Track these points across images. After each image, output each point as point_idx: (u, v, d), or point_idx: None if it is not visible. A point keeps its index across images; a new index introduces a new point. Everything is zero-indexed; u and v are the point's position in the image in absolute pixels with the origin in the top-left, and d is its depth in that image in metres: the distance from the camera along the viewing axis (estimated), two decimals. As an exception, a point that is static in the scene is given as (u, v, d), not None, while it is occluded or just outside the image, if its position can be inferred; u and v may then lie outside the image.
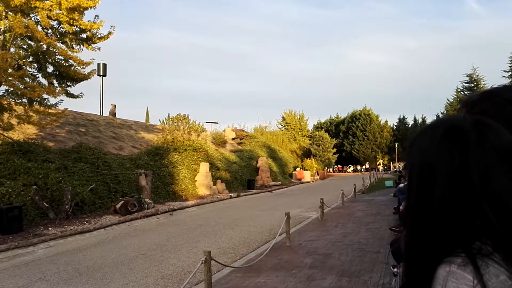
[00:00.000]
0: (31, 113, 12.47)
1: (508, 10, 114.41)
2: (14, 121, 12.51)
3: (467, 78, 41.82)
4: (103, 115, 27.34)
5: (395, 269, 4.72)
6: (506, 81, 38.58)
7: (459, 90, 42.78)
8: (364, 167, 58.33)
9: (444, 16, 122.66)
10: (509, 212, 0.67)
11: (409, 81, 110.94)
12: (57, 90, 12.62)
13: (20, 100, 12.17)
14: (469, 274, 0.63)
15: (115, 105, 28.26)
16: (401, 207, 7.08)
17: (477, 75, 41.40)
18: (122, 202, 12.50)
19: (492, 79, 61.75)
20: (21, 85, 11.44)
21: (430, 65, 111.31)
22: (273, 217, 11.80)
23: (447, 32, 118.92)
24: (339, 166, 61.04)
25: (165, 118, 22.77)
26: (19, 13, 11.15)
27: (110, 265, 6.91)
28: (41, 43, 11.80)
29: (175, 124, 22.23)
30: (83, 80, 13.48)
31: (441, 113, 52.48)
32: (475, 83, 41.46)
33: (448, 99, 45.63)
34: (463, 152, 0.70)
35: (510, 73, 38.60)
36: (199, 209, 15.24)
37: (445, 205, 0.69)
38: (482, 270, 0.63)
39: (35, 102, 12.56)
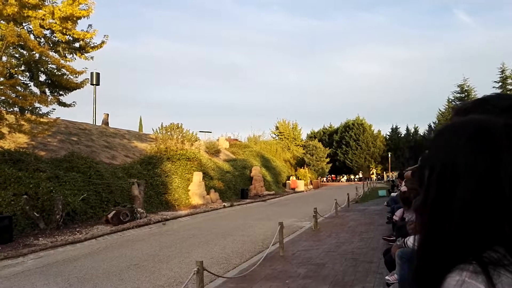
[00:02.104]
0: (22, 122, 12.37)
1: (497, 22, 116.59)
2: (5, 130, 12.39)
3: (458, 89, 42.45)
4: (96, 124, 27.19)
5: (386, 277, 4.71)
6: (496, 92, 38.98)
7: (450, 100, 43.36)
8: (357, 176, 58.50)
9: (434, 28, 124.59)
10: None
11: (401, 91, 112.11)
12: (49, 99, 12.55)
13: (12, 109, 12.08)
14: (481, 283, 0.61)
15: (108, 114, 28.14)
16: (394, 217, 7.08)
17: (468, 86, 42.04)
18: (114, 211, 12.37)
19: (483, 90, 62.52)
20: (12, 94, 11.37)
21: (422, 75, 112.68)
22: (266, 227, 11.75)
23: (438, 43, 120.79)
24: (332, 175, 61.15)
25: (159, 127, 22.73)
26: (12, 22, 11.12)
27: (101, 276, 6.81)
28: (34, 52, 11.77)
29: (169, 133, 22.18)
30: (76, 89, 13.44)
31: (433, 123, 53.03)
32: (466, 94, 42.01)
33: (439, 109, 46.24)
34: (494, 155, 0.67)
35: (500, 83, 39.18)
36: (192, 218, 15.13)
37: (467, 207, 0.67)
38: (494, 280, 0.61)
39: (26, 111, 12.47)
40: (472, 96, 41.38)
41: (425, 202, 0.75)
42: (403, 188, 4.22)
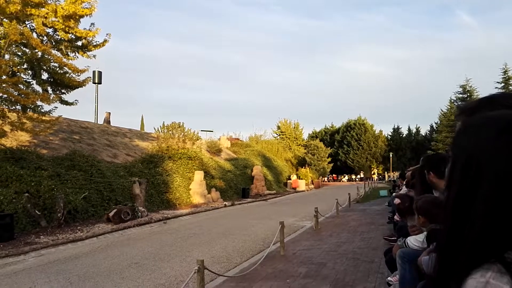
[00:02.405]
0: (24, 120, 12.40)
1: (499, 22, 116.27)
2: (7, 128, 12.43)
3: (460, 89, 42.26)
4: (98, 122, 27.24)
5: (388, 278, 4.70)
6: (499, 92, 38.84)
7: (452, 100, 43.20)
8: (358, 176, 58.45)
9: (436, 28, 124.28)
10: None
11: (403, 91, 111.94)
12: (51, 97, 12.57)
13: (14, 107, 12.11)
14: (506, 284, 0.60)
15: (109, 113, 28.21)
16: (395, 217, 7.07)
17: (470, 86, 41.85)
18: (115, 210, 12.39)
19: (485, 90, 62.37)
20: (15, 92, 11.39)
21: (423, 76, 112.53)
22: (267, 226, 11.75)
23: (439, 43, 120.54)
24: (333, 175, 61.10)
25: (160, 126, 22.75)
26: (15, 20, 11.14)
27: (102, 274, 6.82)
28: (36, 50, 11.79)
29: (170, 132, 22.19)
30: (78, 88, 13.46)
31: (435, 123, 52.92)
32: (468, 94, 41.86)
33: (441, 109, 46.09)
34: None
35: (503, 84, 39.06)
36: (193, 217, 15.14)
37: (492, 202, 0.65)
38: None
39: (28, 109, 12.50)
40: (475, 97, 41.24)
41: (448, 196, 0.73)
42: (396, 200, 4.21)
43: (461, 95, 42.62)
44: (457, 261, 0.67)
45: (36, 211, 10.97)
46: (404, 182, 10.31)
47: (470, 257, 0.65)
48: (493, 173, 0.66)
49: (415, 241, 3.73)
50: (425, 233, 3.43)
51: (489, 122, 0.72)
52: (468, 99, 41.78)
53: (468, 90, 41.92)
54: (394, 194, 13.70)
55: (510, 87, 38.34)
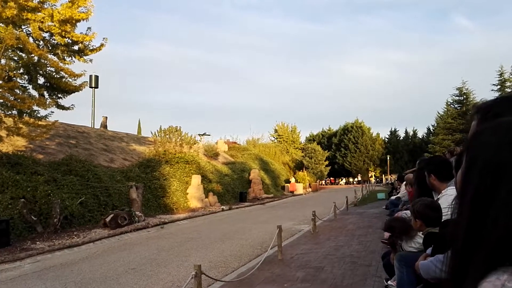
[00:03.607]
0: (20, 125, 12.34)
1: (496, 26, 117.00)
2: (3, 133, 12.36)
3: (457, 92, 42.40)
4: (95, 127, 27.17)
5: (389, 282, 4.69)
6: (495, 95, 39.11)
7: (449, 103, 43.33)
8: (356, 179, 58.50)
9: (433, 31, 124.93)
10: None
11: (400, 94, 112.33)
12: (47, 102, 12.51)
13: (10, 112, 12.05)
14: None
15: (106, 117, 28.09)
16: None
17: (467, 89, 42.01)
18: (112, 215, 12.33)
19: (481, 93, 62.65)
20: (11, 97, 11.34)
21: (420, 78, 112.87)
22: (265, 230, 11.72)
23: (436, 46, 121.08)
24: (331, 178, 61.17)
25: (157, 130, 22.70)
26: (11, 25, 11.11)
27: (98, 280, 6.77)
28: (32, 55, 11.74)
29: (167, 136, 22.15)
30: (74, 92, 13.39)
31: (432, 126, 53.09)
32: (464, 97, 42.02)
33: (438, 112, 46.22)
34: None
35: (499, 86, 39.26)
36: (191, 222, 15.09)
37: (509, 207, 0.64)
38: None
39: (25, 114, 12.43)
40: (471, 99, 41.42)
41: (463, 199, 0.73)
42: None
43: (457, 97, 42.79)
44: (473, 264, 0.66)
45: (32, 217, 10.90)
46: (403, 184, 10.33)
47: (487, 260, 0.65)
48: (510, 180, 0.66)
49: (410, 242, 3.74)
50: (421, 235, 3.43)
51: (507, 127, 0.72)
52: (464, 101, 41.95)
53: (464, 92, 42.10)
54: (392, 197, 13.70)
55: (506, 90, 38.53)
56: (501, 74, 39.28)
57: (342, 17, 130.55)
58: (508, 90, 38.34)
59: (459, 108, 42.54)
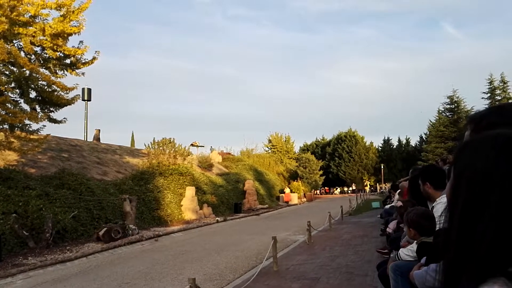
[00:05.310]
0: (12, 139, 12.24)
1: (483, 34, 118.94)
2: (-6, 147, 12.24)
3: (448, 100, 42.93)
4: (87, 140, 27.02)
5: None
6: (485, 102, 39.55)
7: (440, 111, 43.80)
8: (351, 188, 58.55)
9: (423, 40, 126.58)
10: None
11: (392, 103, 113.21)
12: (39, 116, 12.44)
13: (1, 126, 11.95)
14: None
15: (99, 130, 27.97)
16: (387, 229, 7.06)
17: (457, 97, 42.56)
18: (105, 228, 12.19)
19: (472, 101, 63.41)
20: (2, 111, 11.26)
21: (411, 87, 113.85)
22: (260, 241, 11.64)
23: (427, 55, 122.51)
24: (326, 188, 61.15)
25: (151, 142, 22.63)
26: (2, 40, 11.08)
27: (91, 295, 6.66)
28: (24, 69, 11.70)
29: (161, 148, 22.08)
30: (67, 105, 13.34)
31: (424, 134, 53.52)
32: (455, 105, 42.53)
33: (430, 120, 46.66)
34: None
35: (489, 94, 39.77)
36: (185, 234, 14.96)
37: (501, 221, 0.66)
38: None
39: (16, 128, 12.35)
40: (462, 107, 41.91)
41: (453, 212, 0.74)
42: (399, 203, 4.20)
43: (448, 106, 43.28)
44: (465, 275, 0.67)
45: (24, 232, 10.75)
46: (397, 193, 10.35)
47: (478, 271, 0.66)
48: (501, 186, 0.67)
49: (407, 251, 3.73)
50: (415, 244, 3.43)
51: (492, 139, 0.73)
52: (455, 109, 42.45)
53: (455, 100, 42.61)
54: (386, 206, 13.69)
55: (496, 97, 39.05)
56: (490, 82, 39.86)
57: (332, 27, 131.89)
58: (498, 98, 38.86)
59: (450, 116, 43.00)
